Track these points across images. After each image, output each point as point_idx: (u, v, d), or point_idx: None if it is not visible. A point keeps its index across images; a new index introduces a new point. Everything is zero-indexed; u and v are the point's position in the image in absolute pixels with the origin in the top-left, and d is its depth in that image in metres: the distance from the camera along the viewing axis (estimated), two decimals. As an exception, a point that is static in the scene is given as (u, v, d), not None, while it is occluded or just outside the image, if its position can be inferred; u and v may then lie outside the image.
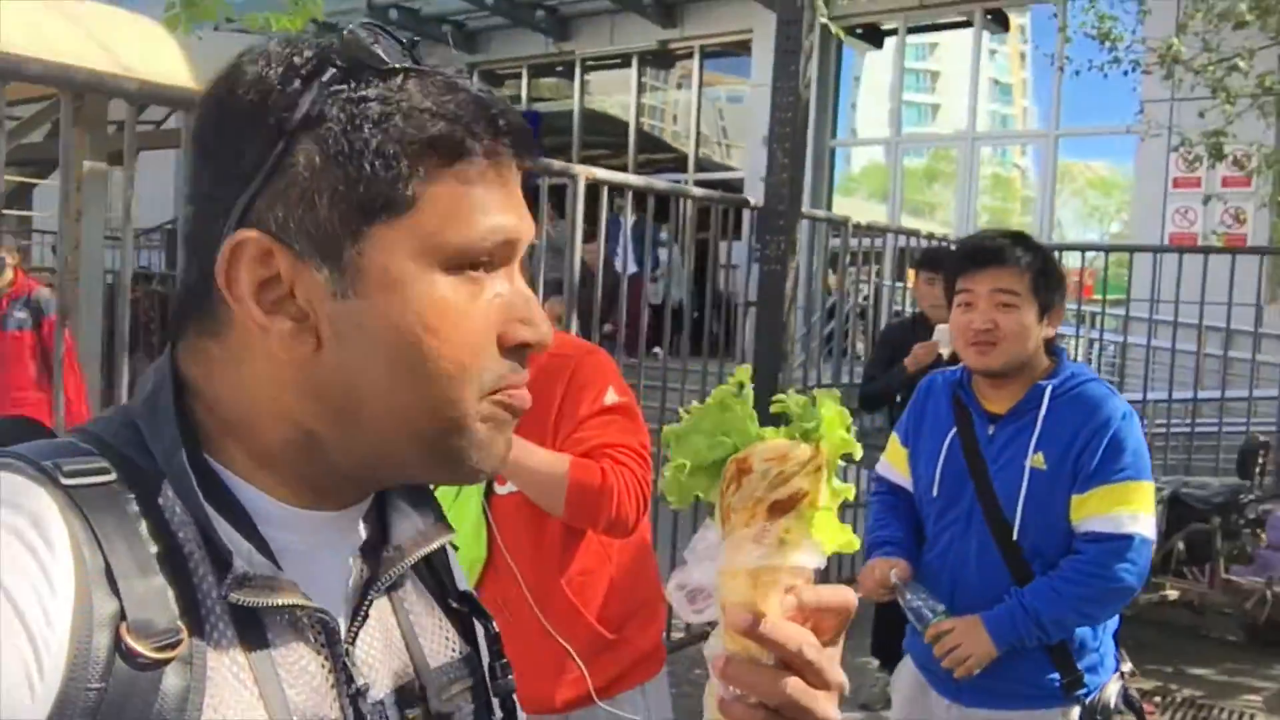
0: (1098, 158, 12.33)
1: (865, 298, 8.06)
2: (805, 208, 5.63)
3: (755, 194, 5.76)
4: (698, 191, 5.68)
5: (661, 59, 13.61)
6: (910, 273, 6.48)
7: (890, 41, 12.39)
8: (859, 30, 11.72)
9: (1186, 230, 9.61)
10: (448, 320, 0.69)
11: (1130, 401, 8.45)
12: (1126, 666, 2.58)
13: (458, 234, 0.69)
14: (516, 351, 0.73)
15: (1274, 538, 5.49)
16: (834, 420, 0.73)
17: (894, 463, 2.73)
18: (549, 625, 2.21)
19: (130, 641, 0.61)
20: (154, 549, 0.66)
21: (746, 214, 6.04)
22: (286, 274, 0.68)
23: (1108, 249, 9.33)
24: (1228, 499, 5.46)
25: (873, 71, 13.05)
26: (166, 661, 0.62)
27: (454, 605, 0.85)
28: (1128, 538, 2.33)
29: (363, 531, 0.79)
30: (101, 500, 0.65)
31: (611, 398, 2.21)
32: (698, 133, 13.38)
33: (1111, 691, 2.44)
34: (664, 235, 9.66)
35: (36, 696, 0.59)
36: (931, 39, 12.96)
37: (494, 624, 0.86)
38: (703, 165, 13.21)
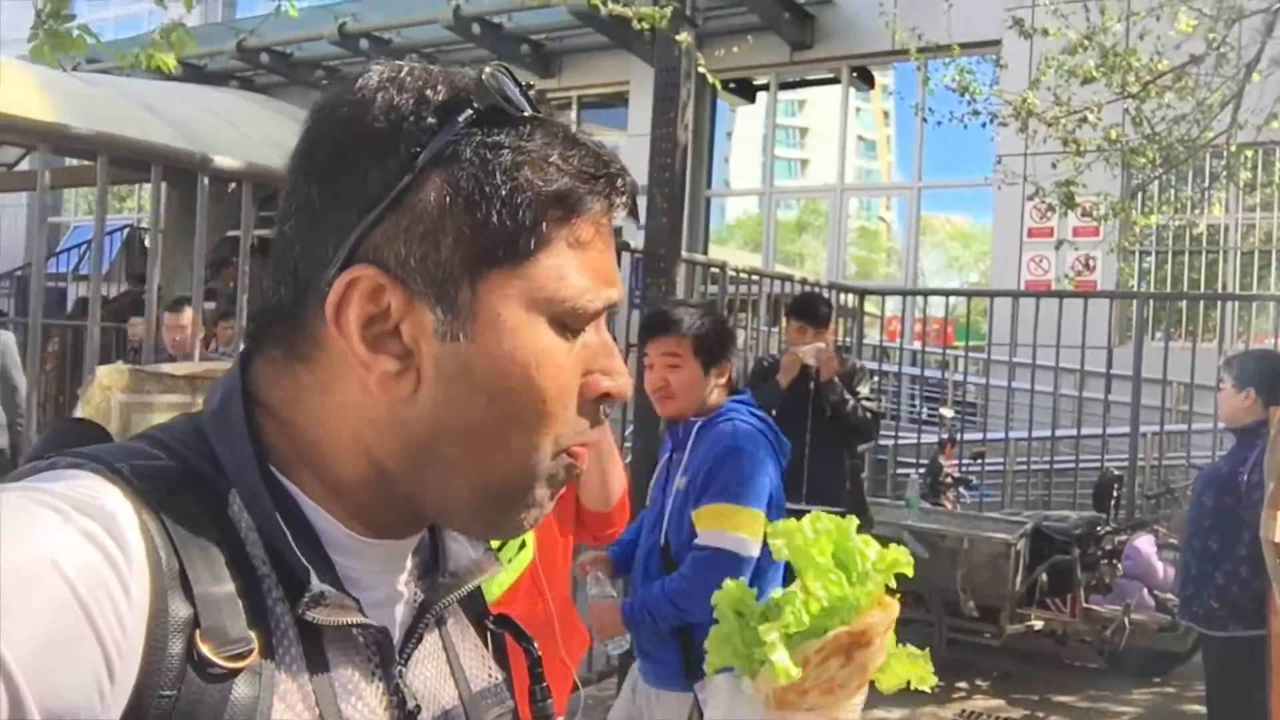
0: (957, 210, 12.89)
1: (743, 345, 8.20)
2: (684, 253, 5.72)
3: (633, 242, 5.84)
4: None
5: (539, 110, 13.75)
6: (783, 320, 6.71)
7: (762, 97, 12.77)
8: (732, 85, 12.04)
9: (1041, 278, 10.11)
10: (546, 370, 0.69)
11: (991, 440, 8.61)
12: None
13: (571, 294, 0.69)
14: (594, 405, 0.73)
15: (1129, 567, 5.77)
16: (882, 560, 0.76)
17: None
18: (563, 647, 2.30)
19: (204, 649, 0.61)
20: (224, 557, 0.65)
21: (624, 260, 6.10)
22: (396, 311, 0.67)
23: (969, 294, 9.74)
24: (1086, 531, 5.72)
25: (744, 126, 13.42)
26: (238, 671, 0.62)
27: (490, 628, 0.86)
28: (719, 551, 2.70)
29: (409, 557, 0.79)
30: (175, 504, 0.64)
31: None
32: (575, 182, 13.50)
33: None
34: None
35: (106, 702, 0.58)
36: (800, 95, 13.40)
37: (535, 647, 0.86)
38: (580, 214, 13.31)
